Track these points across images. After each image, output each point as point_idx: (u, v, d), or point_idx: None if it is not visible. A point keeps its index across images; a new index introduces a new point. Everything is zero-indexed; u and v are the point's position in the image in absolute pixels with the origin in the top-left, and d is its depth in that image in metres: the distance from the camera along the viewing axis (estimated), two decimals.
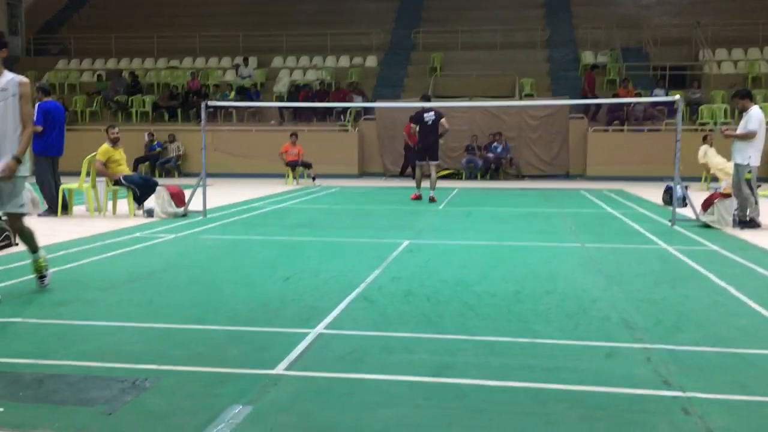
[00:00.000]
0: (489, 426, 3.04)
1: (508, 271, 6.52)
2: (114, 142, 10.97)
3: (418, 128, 13.64)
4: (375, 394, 3.42)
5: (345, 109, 22.18)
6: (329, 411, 3.20)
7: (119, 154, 11.03)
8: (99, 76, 25.70)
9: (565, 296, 5.50)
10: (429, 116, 13.36)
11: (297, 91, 22.94)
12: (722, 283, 5.96)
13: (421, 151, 13.68)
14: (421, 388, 3.50)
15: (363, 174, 21.60)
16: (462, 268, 6.66)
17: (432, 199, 13.39)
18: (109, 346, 4.17)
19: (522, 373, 3.72)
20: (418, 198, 13.62)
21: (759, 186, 10.04)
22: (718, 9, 25.73)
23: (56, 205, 10.76)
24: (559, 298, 5.46)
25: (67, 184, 11.05)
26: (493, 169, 20.55)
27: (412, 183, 17.63)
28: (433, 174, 13.61)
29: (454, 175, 20.73)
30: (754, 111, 9.55)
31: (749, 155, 9.43)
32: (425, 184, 13.81)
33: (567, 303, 5.28)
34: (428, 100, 14.75)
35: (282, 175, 19.02)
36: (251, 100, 22.53)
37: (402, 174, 20.53)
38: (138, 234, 8.85)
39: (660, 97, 17.74)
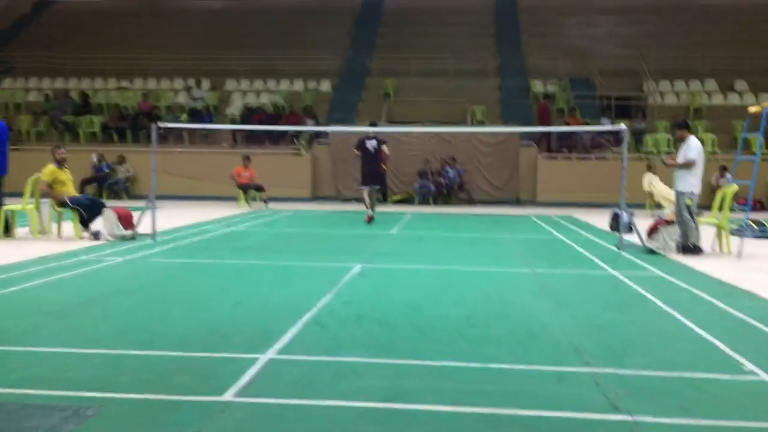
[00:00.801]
0: None
1: (459, 296, 6.56)
2: (60, 163, 10.72)
3: (359, 154, 14.18)
4: (325, 420, 3.38)
5: (298, 133, 22.15)
6: None
7: (65, 175, 10.77)
8: (46, 95, 25.14)
9: (516, 321, 5.55)
10: (371, 144, 13.97)
11: (250, 114, 22.82)
12: (667, 308, 6.10)
13: (366, 177, 14.15)
14: (372, 414, 3.47)
15: (316, 198, 21.55)
16: (414, 292, 6.67)
17: (370, 219, 13.97)
18: (50, 374, 4.03)
19: (474, 398, 3.72)
20: (372, 220, 13.98)
21: (700, 213, 10.36)
22: (662, 42, 26.65)
23: None
24: (510, 322, 5.50)
25: (11, 205, 10.72)
26: (446, 194, 20.73)
27: (385, 207, 17.97)
28: (373, 198, 14.30)
29: (407, 200, 20.83)
30: (693, 141, 9.89)
31: (691, 183, 9.73)
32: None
33: (518, 328, 5.33)
34: (374, 125, 15.17)
35: (234, 198, 18.83)
36: (203, 122, 22.32)
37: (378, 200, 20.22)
38: (84, 257, 8.62)
39: (607, 126, 18.22)
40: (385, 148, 14.13)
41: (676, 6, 29.24)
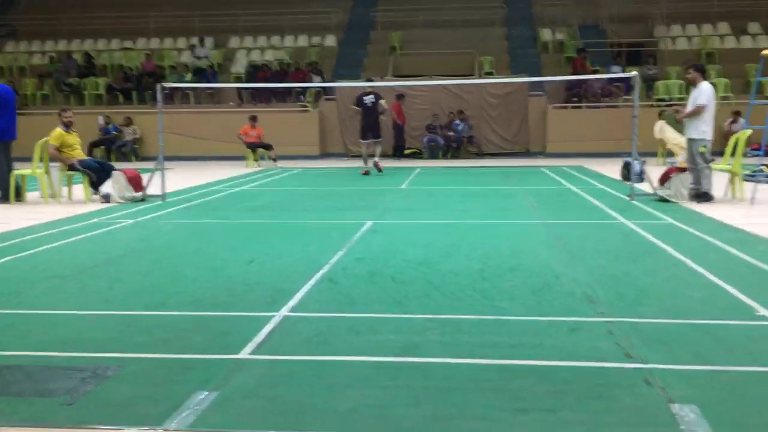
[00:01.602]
0: (456, 404, 3.06)
1: (471, 250, 6.56)
2: (67, 126, 10.70)
3: (360, 110, 14.98)
4: (342, 375, 3.41)
5: (305, 90, 21.97)
6: (296, 394, 3.18)
7: (73, 139, 10.76)
8: (50, 58, 24.96)
9: (529, 273, 5.56)
10: (368, 99, 14.79)
11: (255, 72, 22.60)
12: (680, 256, 6.09)
13: (364, 129, 14.95)
14: (388, 369, 3.50)
15: (324, 155, 21.48)
16: (426, 248, 6.68)
17: (378, 167, 14.97)
18: (68, 335, 4.08)
19: (488, 350, 3.74)
20: (367, 174, 14.80)
21: (713, 160, 10.25)
22: None
23: (8, 191, 10.46)
24: (522, 274, 5.51)
25: (20, 170, 10.75)
26: (455, 148, 20.60)
27: (393, 163, 18.25)
28: (378, 149, 15.10)
29: (416, 154, 20.73)
30: (705, 86, 9.70)
31: (703, 130, 9.59)
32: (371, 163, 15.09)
33: (531, 279, 5.33)
34: (371, 81, 16.27)
35: (242, 158, 18.79)
36: (208, 81, 22.15)
37: (396, 155, 20.26)
38: (95, 220, 8.66)
39: (617, 74, 17.94)
40: (382, 102, 14.91)
41: None
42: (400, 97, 19.73)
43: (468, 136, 20.59)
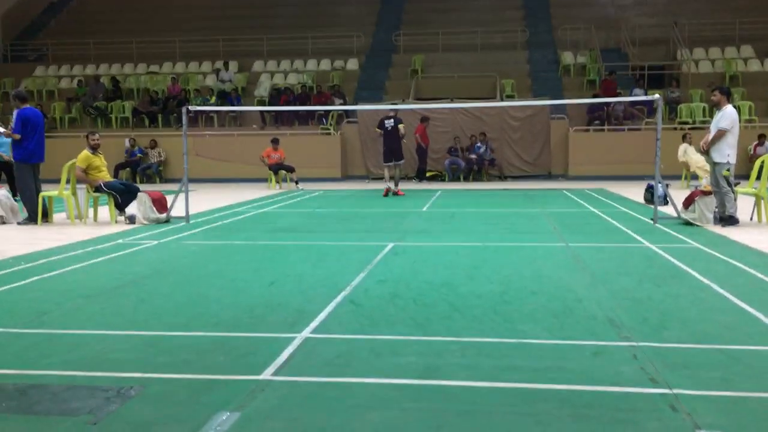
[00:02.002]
0: (478, 427, 3.04)
1: (493, 272, 6.53)
2: (94, 149, 10.88)
3: (382, 133, 15.58)
4: (363, 397, 3.41)
5: (327, 113, 22.15)
6: (317, 416, 3.18)
7: (100, 161, 10.93)
8: (79, 81, 25.47)
9: (551, 296, 5.52)
10: (389, 123, 15.42)
11: (278, 95, 22.86)
12: (705, 280, 6.01)
13: (387, 153, 15.49)
14: (410, 391, 3.49)
15: (346, 177, 21.58)
16: (447, 270, 6.66)
17: (398, 193, 15.38)
18: (92, 355, 4.12)
19: (510, 373, 3.72)
20: (387, 194, 15.27)
21: (737, 183, 10.14)
22: (694, 9, 26.02)
23: (36, 212, 10.63)
24: (544, 297, 5.47)
25: (47, 191, 10.93)
26: (476, 171, 20.60)
27: (415, 185, 18.61)
28: (397, 173, 15.69)
29: (437, 177, 20.75)
30: (729, 110, 9.62)
31: (727, 153, 9.50)
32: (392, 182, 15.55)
33: (553, 303, 5.30)
34: (394, 105, 17.21)
35: (265, 180, 18.94)
36: (232, 104, 22.43)
37: (420, 177, 20.41)
38: (120, 241, 8.76)
39: (640, 97, 17.88)
40: (401, 127, 15.45)
41: None
42: (425, 119, 19.84)
43: (489, 158, 20.58)
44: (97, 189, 10.80)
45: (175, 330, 4.65)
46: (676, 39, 23.91)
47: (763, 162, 10.17)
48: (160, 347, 4.27)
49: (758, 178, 10.12)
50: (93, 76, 25.82)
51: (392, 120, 15.37)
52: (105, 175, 11.04)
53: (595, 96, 20.91)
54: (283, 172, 18.64)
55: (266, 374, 3.72)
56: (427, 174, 20.60)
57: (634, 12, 27.16)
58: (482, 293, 5.63)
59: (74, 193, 10.89)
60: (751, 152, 18.71)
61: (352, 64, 25.58)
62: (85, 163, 10.71)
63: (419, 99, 22.14)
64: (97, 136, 11.07)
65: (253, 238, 9.15)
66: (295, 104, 21.65)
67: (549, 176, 20.96)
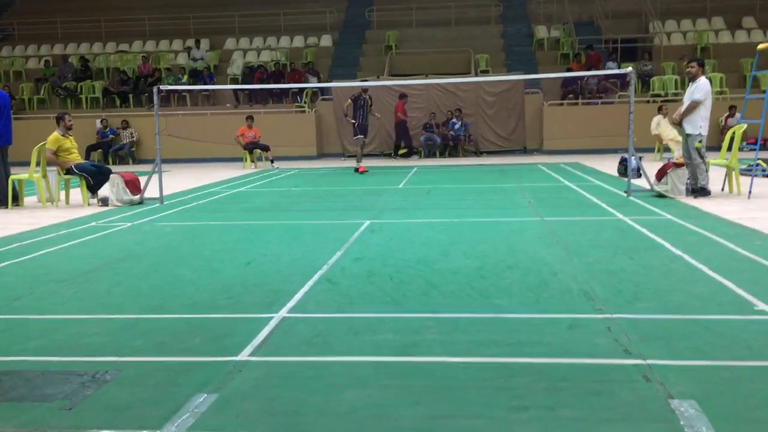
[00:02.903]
0: (456, 402, 3.06)
1: (469, 248, 6.56)
2: (69, 129, 10.69)
3: (354, 108, 15.87)
4: (341, 376, 3.42)
5: (301, 90, 21.97)
6: (296, 395, 3.18)
7: (70, 143, 10.75)
8: (46, 62, 24.94)
9: (527, 270, 5.56)
10: (362, 99, 15.78)
11: (251, 73, 22.59)
12: (678, 251, 6.09)
13: (362, 128, 15.84)
14: (387, 368, 3.50)
15: (322, 155, 21.47)
16: (424, 247, 6.68)
17: (361, 170, 15.59)
18: (67, 340, 4.08)
19: (486, 348, 3.75)
20: (366, 170, 15.50)
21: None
22: None
23: (6, 196, 10.45)
24: (520, 272, 5.51)
25: (17, 174, 10.74)
26: (452, 146, 20.61)
27: (392, 162, 18.29)
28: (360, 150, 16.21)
29: (413, 153, 20.73)
30: (703, 82, 9.69)
31: (699, 125, 9.59)
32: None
33: (528, 277, 5.34)
34: (365, 81, 17.61)
35: (239, 159, 18.79)
36: (205, 83, 22.16)
37: (397, 154, 20.41)
38: (93, 223, 8.65)
39: (613, 70, 17.96)
40: (370, 102, 16.09)
41: None
42: (403, 96, 19.80)
43: (465, 134, 20.59)
44: (69, 171, 10.63)
45: (151, 313, 4.61)
46: (648, 11, 24.00)
47: (734, 133, 10.29)
48: (136, 330, 4.24)
49: (729, 149, 10.24)
50: (61, 55, 25.29)
51: (366, 96, 15.72)
52: (76, 157, 10.86)
53: (569, 70, 20.95)
54: (258, 151, 18.50)
55: (243, 355, 3.71)
56: (402, 151, 20.56)
57: None
58: (458, 269, 5.65)
59: (45, 176, 10.71)
60: (722, 124, 18.93)
61: (326, 41, 25.34)
62: (55, 145, 10.53)
63: (394, 75, 22.01)
64: (70, 118, 10.87)
65: (228, 218, 9.09)
66: (268, 82, 21.43)
67: (524, 151, 21.04)
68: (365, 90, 15.77)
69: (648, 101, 20.15)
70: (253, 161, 18.42)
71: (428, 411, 2.99)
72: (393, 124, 20.28)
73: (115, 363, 3.63)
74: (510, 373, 3.38)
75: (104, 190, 10.65)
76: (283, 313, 4.50)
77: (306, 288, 5.13)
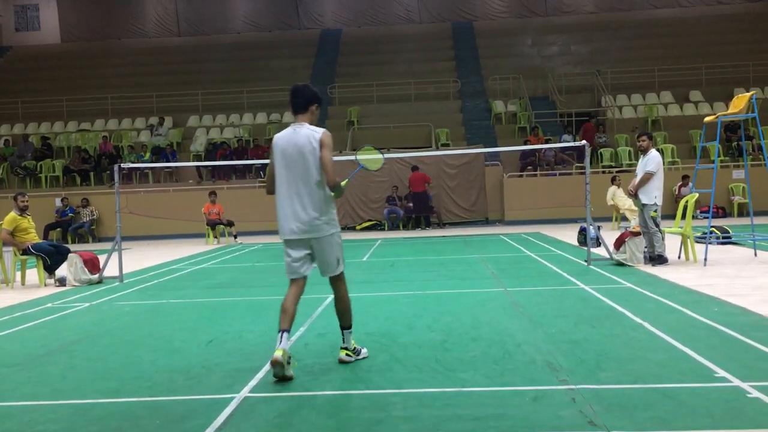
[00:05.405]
0: None
1: (433, 320, 6.55)
2: (23, 210, 10.54)
3: None
4: None
5: (264, 166, 22.08)
6: None
7: (27, 222, 10.58)
8: (6, 141, 24.77)
9: (491, 342, 5.56)
10: None
11: (214, 150, 22.73)
12: (638, 320, 6.16)
13: None
14: None
15: None
16: (388, 320, 6.65)
17: None
18: (17, 428, 3.92)
19: (451, 423, 3.70)
20: None
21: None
22: (615, 58, 27.29)
23: None
24: (484, 343, 5.50)
25: None
26: (415, 219, 20.78)
27: (351, 234, 18.25)
28: None
29: (377, 226, 20.84)
30: (654, 154, 10.05)
31: (654, 195, 9.88)
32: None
33: (492, 348, 5.33)
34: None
35: (202, 235, 18.65)
36: (167, 160, 22.16)
37: (423, 226, 20.61)
38: (50, 304, 8.44)
39: (568, 143, 18.49)
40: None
41: (623, 22, 30.05)
42: (415, 168, 20.14)
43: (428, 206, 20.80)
44: (25, 252, 10.42)
45: (107, 397, 4.47)
46: (599, 86, 24.97)
47: (687, 202, 10.60)
48: (90, 416, 4.09)
49: (683, 217, 10.53)
50: (22, 135, 25.16)
51: None
52: (33, 237, 10.67)
53: (526, 142, 21.55)
54: (222, 226, 18.41)
55: None
56: (366, 224, 20.64)
57: (559, 62, 28.32)
58: (423, 342, 5.62)
59: (0, 257, 10.47)
60: (677, 193, 19.49)
61: (289, 117, 25.66)
62: (11, 226, 10.35)
63: (356, 150, 22.29)
64: (26, 197, 10.73)
65: (190, 295, 8.95)
66: (231, 158, 21.54)
67: (486, 222, 21.32)
68: None
69: (604, 172, 20.71)
70: (216, 237, 18.30)
71: None
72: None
73: None
74: None
75: (62, 270, 10.43)
76: (245, 392, 4.40)
77: (269, 366, 5.04)
